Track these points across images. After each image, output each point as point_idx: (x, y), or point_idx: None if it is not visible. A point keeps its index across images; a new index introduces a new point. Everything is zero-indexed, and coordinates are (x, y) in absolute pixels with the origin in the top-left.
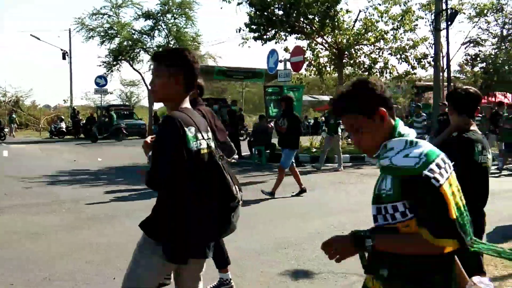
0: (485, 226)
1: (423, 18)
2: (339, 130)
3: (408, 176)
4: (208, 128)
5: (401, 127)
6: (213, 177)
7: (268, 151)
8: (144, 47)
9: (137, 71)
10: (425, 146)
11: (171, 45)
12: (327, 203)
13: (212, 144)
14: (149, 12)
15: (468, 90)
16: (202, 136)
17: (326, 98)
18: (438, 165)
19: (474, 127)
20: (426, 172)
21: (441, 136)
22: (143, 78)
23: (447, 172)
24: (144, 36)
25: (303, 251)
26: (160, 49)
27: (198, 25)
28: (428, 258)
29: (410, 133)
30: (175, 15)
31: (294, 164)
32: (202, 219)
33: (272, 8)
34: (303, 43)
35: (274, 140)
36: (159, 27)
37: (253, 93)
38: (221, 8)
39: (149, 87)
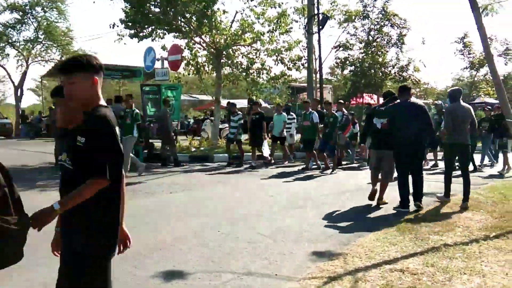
0: None
1: (297, 22)
2: (135, 131)
3: None
4: None
5: None
6: None
7: (146, 150)
8: (10, 41)
9: (2, 66)
10: None
11: (41, 40)
12: (203, 203)
13: None
14: (15, 5)
15: None
16: None
17: (206, 97)
18: None
19: None
20: None
21: None
22: (8, 74)
23: None
24: (10, 29)
25: (178, 252)
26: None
27: (71, 19)
28: None
29: None
30: (45, 9)
31: None
32: None
33: (149, 5)
34: (181, 42)
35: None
36: (27, 20)
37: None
38: (94, 2)
39: (15, 83)
